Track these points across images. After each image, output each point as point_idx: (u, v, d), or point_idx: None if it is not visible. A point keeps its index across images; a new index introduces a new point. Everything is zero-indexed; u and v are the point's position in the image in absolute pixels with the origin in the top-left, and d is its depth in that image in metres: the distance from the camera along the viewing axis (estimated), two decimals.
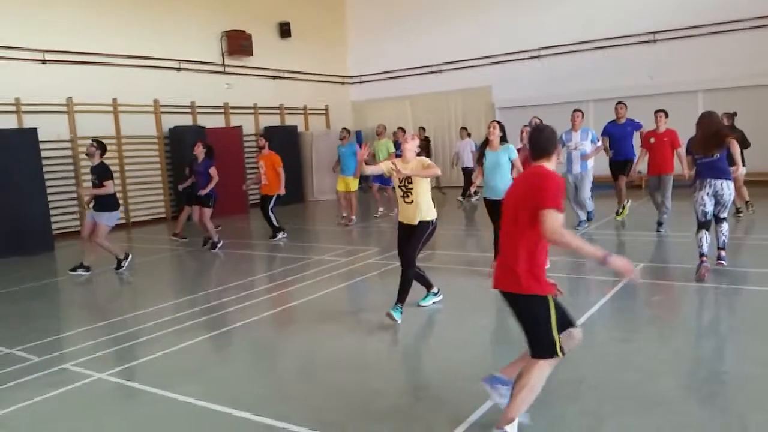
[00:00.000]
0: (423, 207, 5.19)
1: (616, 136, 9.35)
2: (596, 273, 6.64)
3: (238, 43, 14.89)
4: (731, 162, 6.16)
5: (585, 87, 14.49)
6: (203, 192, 9.24)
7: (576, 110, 9.13)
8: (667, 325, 4.99)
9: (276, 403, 3.75)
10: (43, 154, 10.59)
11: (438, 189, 15.15)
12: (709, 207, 5.96)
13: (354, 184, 11.19)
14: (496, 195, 6.55)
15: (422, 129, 16.29)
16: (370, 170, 5.43)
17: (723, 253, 6.18)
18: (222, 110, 14.98)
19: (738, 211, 9.14)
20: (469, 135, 14.08)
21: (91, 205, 8.09)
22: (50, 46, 11.45)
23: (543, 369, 2.95)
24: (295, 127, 16.68)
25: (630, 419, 3.20)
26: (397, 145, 10.92)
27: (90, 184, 8.22)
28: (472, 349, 4.49)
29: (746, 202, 9.34)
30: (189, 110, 14.15)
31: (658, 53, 13.98)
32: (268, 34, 16.05)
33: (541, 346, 2.94)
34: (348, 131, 11.57)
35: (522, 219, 2.94)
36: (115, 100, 12.56)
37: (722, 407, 3.39)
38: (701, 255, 5.95)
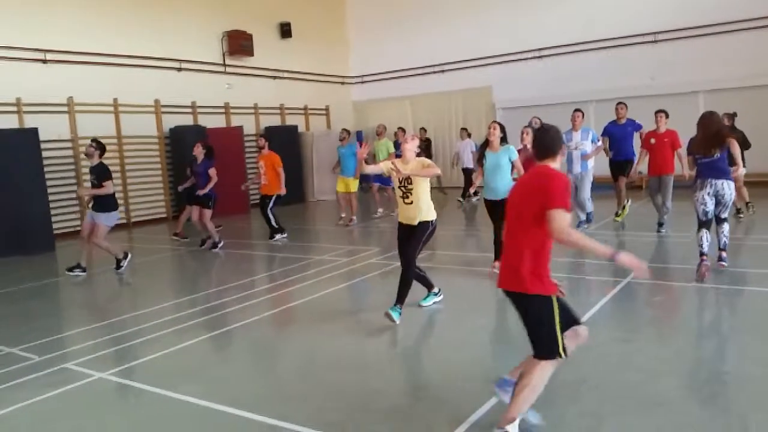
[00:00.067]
0: (423, 207, 5.19)
1: (617, 137, 9.34)
2: (597, 273, 6.65)
3: (238, 43, 14.90)
4: (732, 162, 6.17)
5: (586, 87, 14.48)
6: (201, 192, 9.25)
7: (576, 110, 9.13)
8: (667, 326, 4.99)
9: (276, 402, 3.75)
10: (44, 153, 10.60)
11: (440, 190, 15.16)
12: (710, 206, 5.97)
13: (354, 185, 11.19)
14: (496, 196, 6.56)
15: (423, 130, 16.28)
16: (370, 169, 5.43)
17: (724, 254, 6.19)
18: (223, 110, 14.99)
19: (738, 211, 9.14)
20: (469, 135, 14.08)
21: (91, 204, 8.09)
22: (51, 46, 11.46)
23: (545, 369, 2.95)
24: (296, 127, 16.68)
25: (630, 419, 3.20)
26: (397, 146, 10.92)
27: (89, 184, 8.22)
28: (471, 349, 4.50)
29: (747, 203, 9.34)
30: (190, 110, 14.16)
31: (659, 53, 13.98)
32: (268, 34, 16.06)
33: (544, 347, 2.94)
34: (348, 132, 11.57)
35: (527, 219, 2.94)
36: (115, 100, 12.57)
37: (723, 407, 3.39)
38: (701, 254, 5.97)
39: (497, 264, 6.59)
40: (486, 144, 6.64)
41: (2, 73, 10.82)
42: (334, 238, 10.12)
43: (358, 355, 4.54)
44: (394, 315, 5.03)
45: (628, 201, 9.53)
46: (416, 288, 5.37)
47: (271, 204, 9.87)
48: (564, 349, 2.92)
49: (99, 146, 7.94)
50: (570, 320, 3.04)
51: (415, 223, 5.20)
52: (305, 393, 3.84)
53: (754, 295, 5.58)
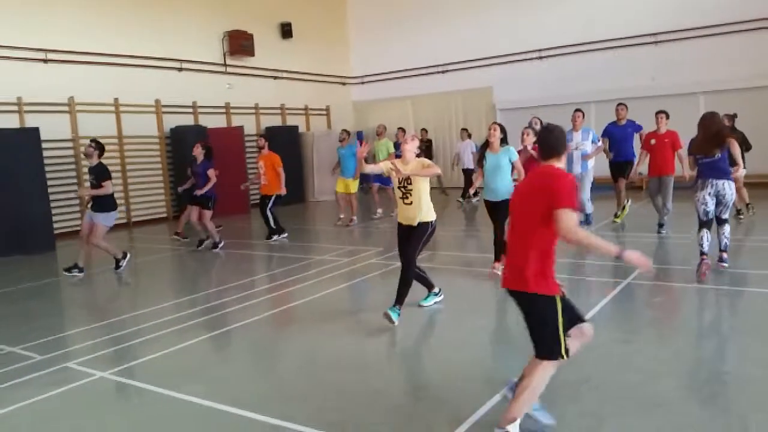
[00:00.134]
0: (423, 208, 5.19)
1: (617, 137, 9.34)
2: (597, 274, 6.66)
3: (239, 44, 14.91)
4: (732, 162, 6.19)
5: (586, 88, 14.48)
6: (199, 192, 9.26)
7: (577, 110, 9.14)
8: (667, 327, 5.00)
9: (277, 402, 3.75)
10: (45, 153, 10.61)
11: (441, 191, 15.16)
12: (711, 206, 6.00)
13: (354, 186, 11.19)
14: (496, 197, 6.57)
15: (424, 131, 16.30)
16: (370, 169, 5.42)
17: (725, 255, 6.22)
18: (223, 110, 15.00)
19: (739, 212, 9.14)
20: (469, 136, 14.09)
21: (90, 205, 8.09)
22: (52, 45, 11.47)
23: (546, 370, 2.96)
24: (296, 127, 16.70)
25: (630, 420, 3.20)
26: (397, 146, 10.93)
27: (89, 184, 8.22)
28: (471, 350, 4.50)
29: (747, 204, 9.35)
30: (190, 110, 14.17)
31: (660, 54, 13.99)
32: (269, 35, 16.07)
33: (546, 347, 2.94)
34: (347, 133, 11.58)
35: (532, 219, 2.94)
36: (116, 99, 12.58)
37: (723, 408, 3.39)
38: (702, 254, 6.00)
39: (497, 265, 6.60)
40: (486, 145, 6.64)
41: (3, 72, 10.83)
42: (334, 239, 10.12)
43: (359, 355, 4.54)
44: (393, 316, 5.03)
45: (628, 201, 9.54)
46: (416, 288, 5.38)
47: (270, 204, 9.88)
48: (566, 350, 2.92)
49: (98, 146, 7.94)
50: (574, 318, 3.04)
51: (415, 223, 5.19)
52: (306, 393, 3.85)
53: (755, 296, 5.59)
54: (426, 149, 14.51)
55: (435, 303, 5.59)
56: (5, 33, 10.83)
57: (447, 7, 16.78)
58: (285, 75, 16.50)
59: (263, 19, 15.85)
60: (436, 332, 5.21)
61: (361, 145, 5.42)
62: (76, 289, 7.57)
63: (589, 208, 9.07)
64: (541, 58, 15.62)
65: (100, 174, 7.79)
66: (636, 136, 9.40)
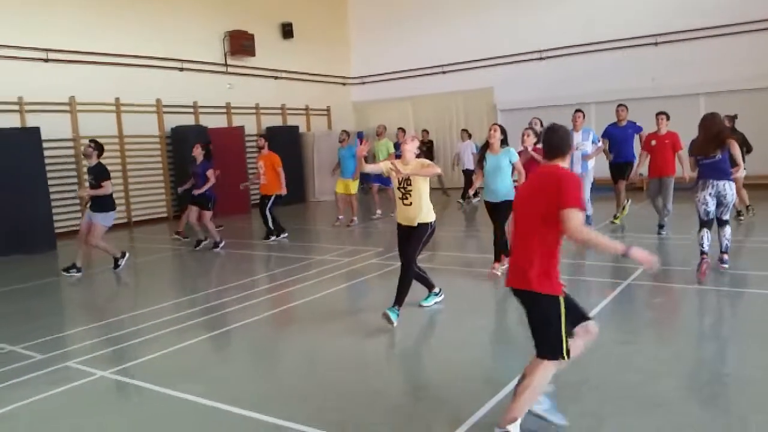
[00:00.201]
0: (422, 209, 5.17)
1: (617, 138, 9.34)
2: (596, 275, 6.66)
3: (240, 44, 14.92)
4: (734, 163, 6.20)
5: (587, 89, 14.49)
6: (197, 192, 9.27)
7: (577, 110, 9.15)
8: (667, 327, 5.00)
9: (277, 402, 3.75)
10: (46, 153, 10.62)
11: (443, 191, 15.17)
12: (711, 207, 6.04)
13: (354, 187, 11.20)
14: (496, 198, 6.57)
15: (425, 131, 16.30)
16: (369, 168, 5.40)
17: (725, 256, 6.25)
18: (224, 110, 15.01)
19: (739, 214, 9.15)
20: (470, 136, 14.09)
21: (89, 205, 8.08)
22: (53, 45, 11.48)
23: (547, 370, 2.95)
24: (297, 127, 16.71)
25: (631, 420, 3.20)
26: (397, 146, 10.93)
27: (88, 184, 8.21)
28: (471, 350, 4.50)
29: (747, 206, 9.36)
30: (191, 110, 14.18)
31: (661, 55, 13.99)
32: (270, 35, 16.08)
33: (548, 347, 2.94)
34: (347, 133, 11.58)
35: (537, 218, 2.94)
36: (117, 99, 12.59)
37: (723, 409, 3.40)
38: (702, 253, 6.03)
39: (497, 265, 6.61)
40: (486, 146, 6.64)
41: (4, 72, 10.84)
42: (334, 239, 10.13)
43: (359, 355, 4.55)
44: (392, 316, 5.01)
45: (627, 201, 9.53)
46: (417, 288, 5.38)
47: (269, 204, 9.89)
48: (567, 351, 2.92)
49: (97, 146, 7.92)
50: (579, 317, 3.04)
51: (415, 224, 5.19)
52: (306, 393, 3.85)
53: (755, 297, 5.59)
54: (427, 150, 14.50)
55: (435, 303, 5.59)
56: (6, 33, 10.84)
57: (448, 8, 16.79)
58: (286, 75, 16.51)
59: (264, 19, 15.86)
60: (436, 332, 5.21)
61: (361, 143, 5.40)
62: (76, 288, 7.58)
63: (589, 209, 9.06)
64: (541, 58, 15.63)
65: (99, 174, 7.78)
66: (636, 138, 9.40)
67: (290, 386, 4.02)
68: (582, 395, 3.55)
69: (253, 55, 15.28)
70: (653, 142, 8.44)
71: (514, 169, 6.52)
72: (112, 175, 8.06)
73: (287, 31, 16.44)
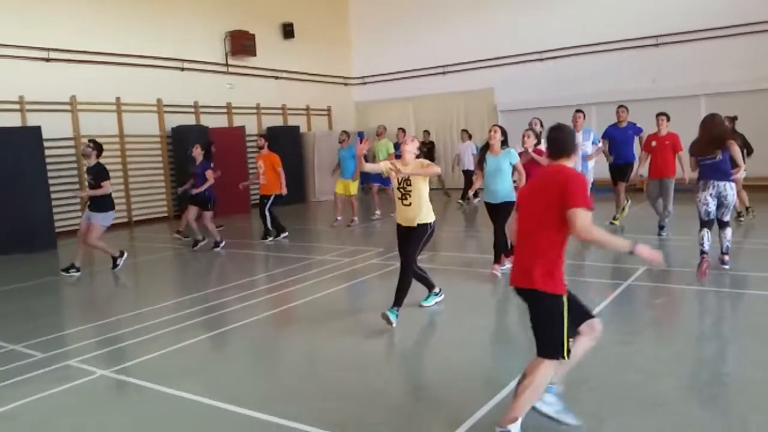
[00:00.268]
0: (422, 209, 5.16)
1: (617, 140, 9.34)
2: (596, 276, 6.67)
3: (241, 44, 14.93)
4: (734, 164, 6.23)
5: (587, 90, 14.49)
6: (195, 191, 9.28)
7: (578, 111, 9.16)
8: (667, 328, 5.01)
9: (276, 401, 3.75)
10: (47, 152, 10.62)
11: (444, 192, 15.17)
12: (712, 207, 6.08)
13: (353, 188, 11.20)
14: (496, 199, 6.58)
15: (427, 132, 16.30)
16: (369, 167, 5.39)
17: (726, 257, 6.30)
18: (225, 110, 15.02)
19: (739, 215, 9.15)
20: (470, 137, 14.09)
21: (87, 204, 8.05)
22: (54, 45, 11.50)
23: (548, 369, 2.95)
24: (298, 127, 16.72)
25: (630, 420, 3.21)
26: (398, 146, 10.93)
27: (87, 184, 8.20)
28: (472, 350, 4.51)
29: (747, 207, 9.37)
30: (192, 110, 14.20)
31: (661, 56, 14.00)
32: (271, 35, 16.09)
33: (550, 346, 2.94)
34: (347, 134, 11.58)
35: (542, 218, 2.94)
36: (118, 99, 12.60)
37: (723, 409, 3.40)
38: (702, 252, 6.05)
39: (497, 266, 6.61)
40: (486, 147, 6.64)
41: (5, 71, 10.85)
42: (334, 239, 10.14)
43: (359, 355, 4.55)
44: (391, 317, 4.99)
45: (628, 201, 9.52)
46: (417, 288, 5.39)
47: (269, 204, 9.89)
48: (568, 351, 2.93)
49: (96, 146, 7.89)
50: (583, 315, 3.05)
51: (414, 224, 5.17)
52: (306, 392, 3.85)
53: (755, 298, 5.59)
54: (428, 151, 14.50)
55: (435, 303, 5.59)
56: (7, 32, 10.85)
57: (449, 9, 16.80)
58: (286, 75, 16.52)
59: (265, 19, 15.87)
60: (436, 332, 5.22)
61: (361, 142, 5.38)
62: (76, 287, 7.58)
63: None
64: (542, 59, 15.64)
65: (99, 174, 7.75)
66: (636, 139, 9.40)
67: (290, 386, 4.03)
68: (582, 395, 3.55)
69: (254, 55, 15.29)
70: (653, 143, 8.45)
71: (514, 170, 6.52)
72: (112, 174, 8.05)
73: (288, 31, 16.45)
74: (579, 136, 8.93)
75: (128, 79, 12.67)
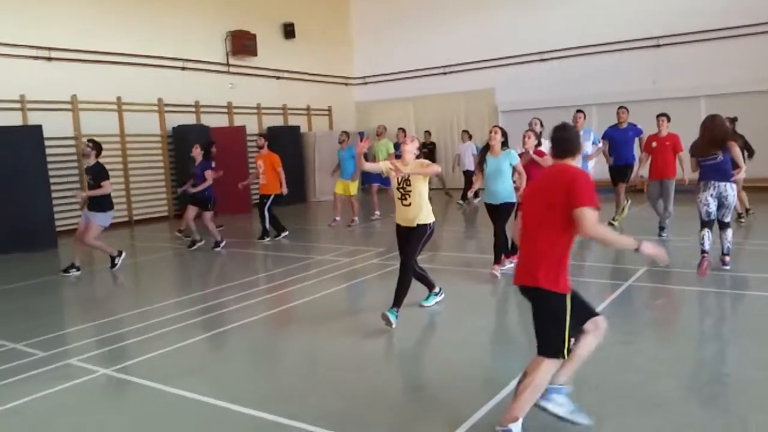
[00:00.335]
0: (422, 210, 5.16)
1: (618, 141, 9.34)
2: (596, 276, 6.67)
3: (242, 43, 14.94)
4: (735, 165, 6.24)
5: (588, 90, 14.49)
6: (193, 191, 9.29)
7: (578, 111, 9.16)
8: (667, 328, 5.01)
9: (277, 400, 3.76)
10: (48, 151, 10.62)
11: (445, 192, 15.18)
12: (713, 207, 6.11)
13: (353, 188, 11.19)
14: (496, 200, 6.58)
15: (428, 133, 16.30)
16: (369, 167, 5.38)
17: (727, 258, 6.33)
18: (226, 110, 15.04)
19: (739, 216, 9.16)
20: (470, 137, 14.10)
21: (86, 204, 8.04)
22: (55, 44, 11.51)
23: (548, 368, 2.95)
24: (298, 127, 16.73)
25: (630, 420, 3.21)
26: (398, 146, 10.93)
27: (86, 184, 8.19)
28: (471, 350, 4.51)
29: (747, 209, 9.37)
30: (193, 109, 14.21)
31: (662, 57, 14.01)
32: (272, 35, 16.10)
33: (551, 346, 2.94)
34: (347, 135, 11.58)
35: (546, 217, 2.94)
36: (119, 98, 12.61)
37: (723, 409, 3.40)
38: (703, 252, 6.07)
39: (497, 267, 6.62)
40: (487, 148, 6.64)
41: (6, 70, 10.86)
42: (334, 239, 10.14)
43: (359, 355, 4.55)
44: (391, 318, 4.98)
45: (628, 201, 9.50)
46: (417, 288, 5.39)
47: (268, 204, 9.89)
48: (569, 350, 2.93)
49: (95, 146, 7.87)
50: (586, 314, 3.05)
51: (414, 225, 5.17)
52: (306, 392, 3.85)
53: (755, 299, 5.60)
54: (429, 152, 14.50)
55: (436, 303, 5.59)
56: (8, 31, 10.86)
57: (449, 9, 16.81)
58: (287, 75, 16.53)
59: (266, 19, 15.88)
60: (436, 332, 5.22)
61: (361, 141, 5.35)
62: (77, 286, 7.59)
63: None
64: (543, 60, 15.65)
65: (98, 174, 7.73)
66: (636, 141, 9.40)
67: (290, 385, 4.03)
68: (582, 395, 3.54)
69: (255, 54, 15.30)
70: (654, 144, 8.45)
71: (514, 170, 6.52)
72: (113, 174, 8.06)
73: (289, 31, 16.46)
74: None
75: (129, 78, 12.68)
